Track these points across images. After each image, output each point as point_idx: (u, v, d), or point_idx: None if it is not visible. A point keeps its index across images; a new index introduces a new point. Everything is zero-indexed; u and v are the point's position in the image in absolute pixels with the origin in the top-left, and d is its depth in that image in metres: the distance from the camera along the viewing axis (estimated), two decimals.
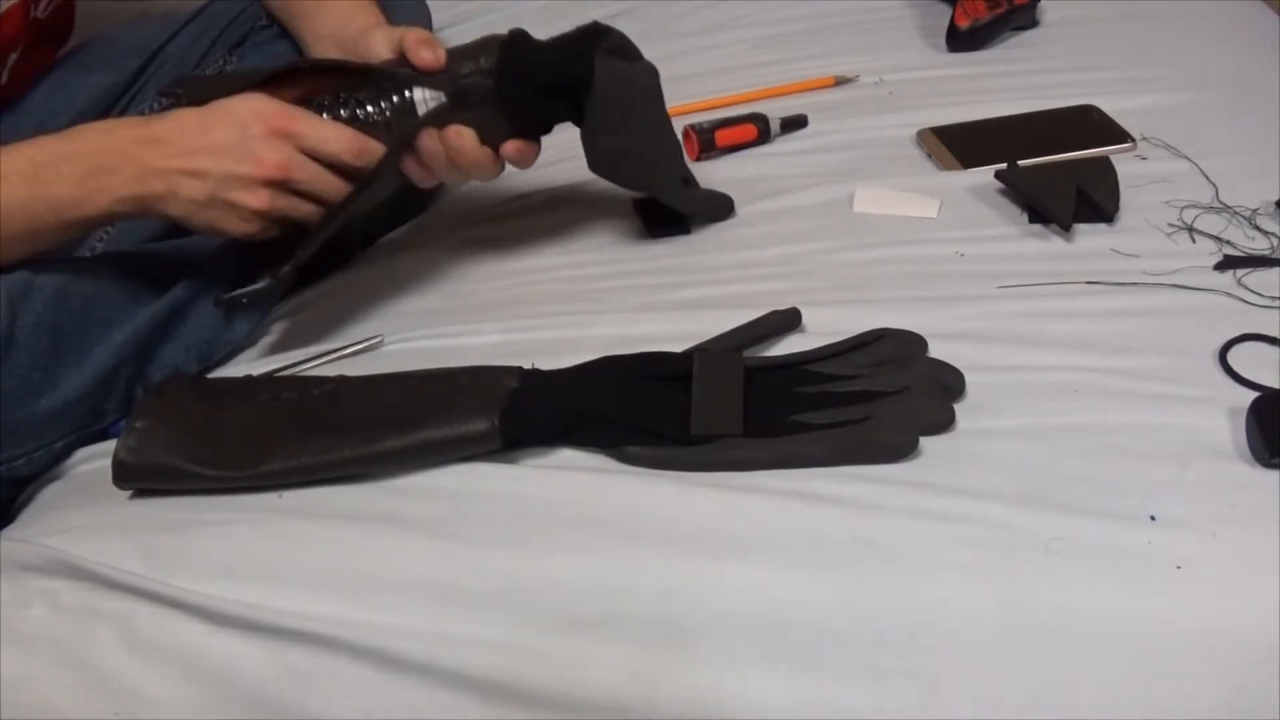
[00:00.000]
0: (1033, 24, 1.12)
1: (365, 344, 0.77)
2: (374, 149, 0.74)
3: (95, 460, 0.73)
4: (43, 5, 0.91)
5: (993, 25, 1.09)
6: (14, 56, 0.89)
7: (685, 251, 0.85)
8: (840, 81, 1.06)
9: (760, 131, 0.97)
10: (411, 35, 0.76)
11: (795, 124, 0.99)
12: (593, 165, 0.82)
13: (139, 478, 0.65)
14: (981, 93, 1.01)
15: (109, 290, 0.76)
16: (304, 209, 0.74)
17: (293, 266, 0.76)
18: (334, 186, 0.73)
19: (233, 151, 0.70)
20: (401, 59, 0.76)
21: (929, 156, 0.93)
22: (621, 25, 1.20)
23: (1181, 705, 0.53)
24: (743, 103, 1.03)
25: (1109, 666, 0.54)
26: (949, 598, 0.56)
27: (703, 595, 0.57)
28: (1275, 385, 0.65)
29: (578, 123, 0.80)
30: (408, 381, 0.69)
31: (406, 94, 0.75)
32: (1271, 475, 0.60)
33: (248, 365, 0.79)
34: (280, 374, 0.75)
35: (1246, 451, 0.61)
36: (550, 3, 1.26)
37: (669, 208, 0.86)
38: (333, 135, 0.72)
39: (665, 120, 0.84)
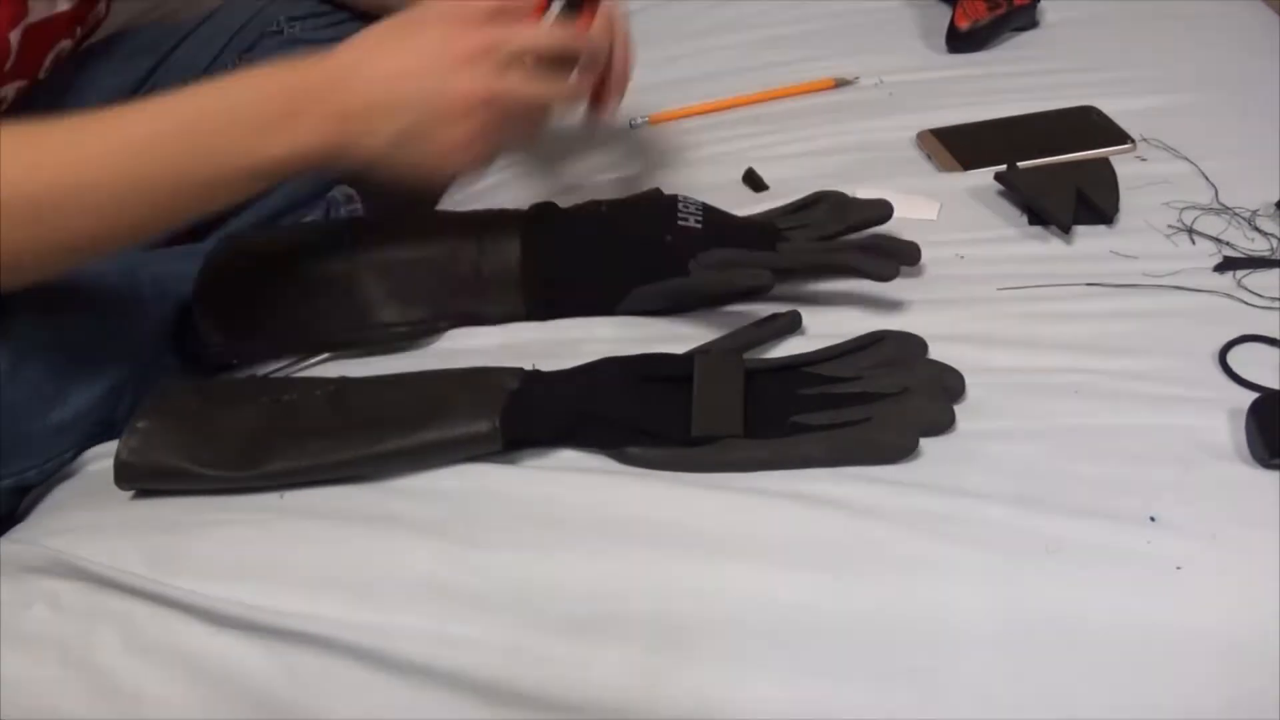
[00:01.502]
0: (1033, 25, 1.12)
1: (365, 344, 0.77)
2: (577, 35, 0.67)
3: (104, 460, 0.73)
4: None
5: (992, 26, 1.09)
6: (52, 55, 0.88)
7: None
8: (840, 83, 1.06)
9: None
10: None
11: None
12: None
13: (141, 478, 0.65)
14: (981, 94, 1.01)
15: (118, 300, 0.75)
16: (514, 130, 0.66)
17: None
18: (554, 90, 0.67)
19: (428, 77, 0.62)
20: None
21: (929, 158, 0.93)
22: None
23: (1181, 705, 0.53)
24: (742, 105, 1.03)
25: (1109, 667, 0.54)
26: (949, 598, 0.56)
27: (703, 596, 0.57)
28: (1275, 386, 0.65)
29: None
30: (409, 382, 0.69)
31: None
32: (1271, 476, 0.60)
33: (249, 366, 0.79)
34: (281, 375, 0.75)
35: (1246, 452, 0.61)
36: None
37: None
38: (540, 34, 0.65)
39: None
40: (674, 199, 0.79)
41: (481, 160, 0.67)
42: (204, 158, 0.62)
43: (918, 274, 0.78)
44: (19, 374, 0.69)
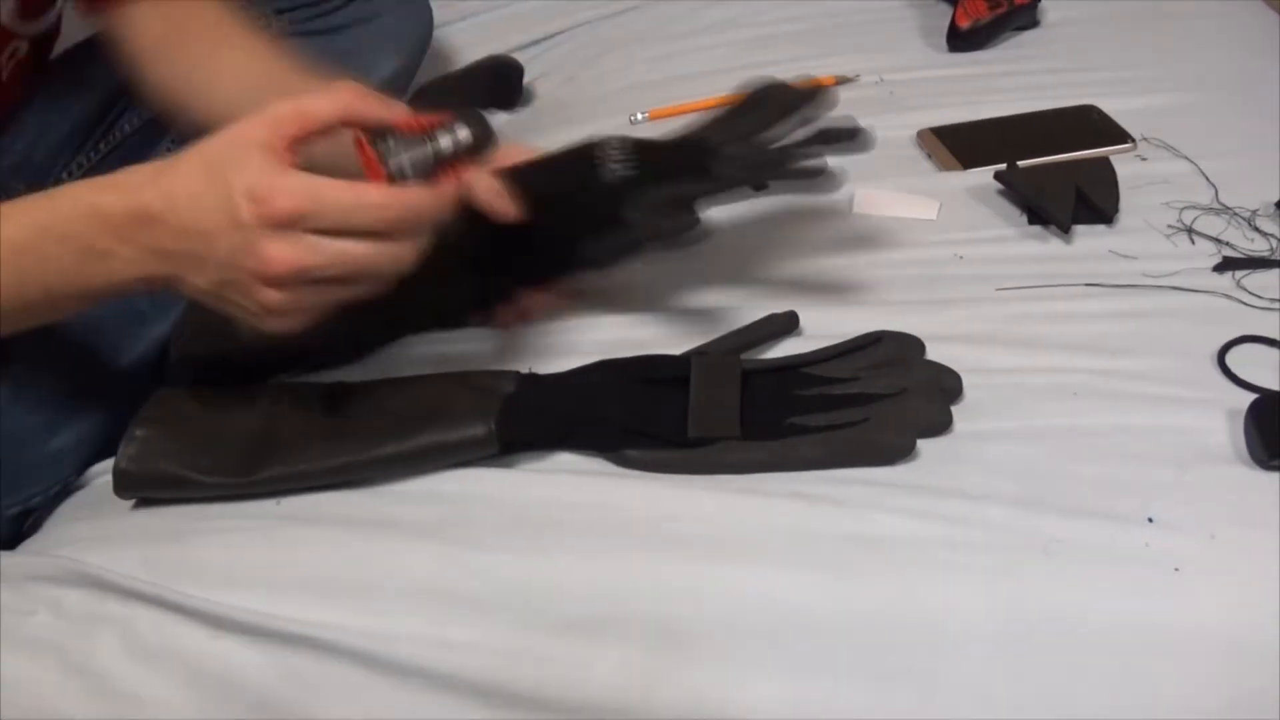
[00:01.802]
0: (1033, 24, 1.12)
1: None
2: (418, 202, 0.56)
3: (107, 474, 0.72)
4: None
5: (993, 25, 1.09)
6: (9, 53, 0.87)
7: (683, 253, 0.85)
8: (841, 81, 1.06)
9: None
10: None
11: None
12: None
13: (140, 486, 0.65)
14: (982, 93, 1.01)
15: (117, 322, 0.75)
16: (342, 294, 0.58)
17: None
18: (380, 260, 0.56)
19: (227, 238, 0.55)
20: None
21: (929, 157, 0.93)
22: (619, 25, 1.22)
23: (1180, 706, 0.53)
24: None
25: (1107, 667, 0.54)
26: (948, 599, 0.56)
27: (702, 597, 0.57)
28: (1274, 387, 0.65)
29: None
30: (405, 387, 0.69)
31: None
32: (1270, 477, 0.60)
33: (247, 370, 0.79)
34: (278, 380, 0.75)
35: (1245, 453, 0.61)
36: (550, 2, 1.26)
37: None
38: (358, 202, 0.55)
39: None
40: (591, 147, 0.71)
41: (300, 325, 0.59)
42: (33, 282, 0.59)
43: (917, 274, 0.78)
44: (20, 402, 0.68)
